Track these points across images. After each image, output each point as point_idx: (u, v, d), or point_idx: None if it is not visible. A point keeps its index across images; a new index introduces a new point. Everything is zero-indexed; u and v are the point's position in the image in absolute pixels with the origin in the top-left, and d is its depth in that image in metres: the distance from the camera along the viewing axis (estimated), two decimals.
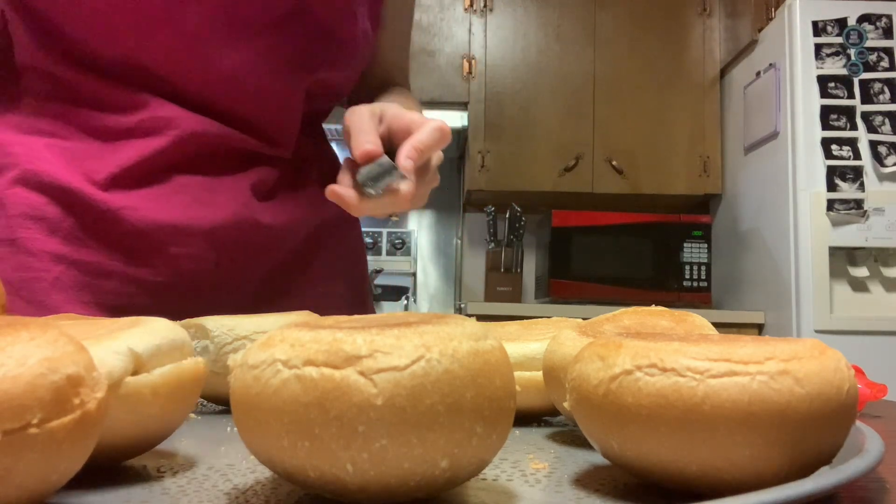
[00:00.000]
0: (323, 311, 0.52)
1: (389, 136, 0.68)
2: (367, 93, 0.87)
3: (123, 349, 0.35)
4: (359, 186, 0.65)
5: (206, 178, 0.72)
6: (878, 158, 2.33)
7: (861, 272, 2.35)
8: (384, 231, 3.31)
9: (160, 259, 0.70)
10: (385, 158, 0.65)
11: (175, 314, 0.59)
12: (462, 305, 3.05)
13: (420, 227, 3.39)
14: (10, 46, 0.74)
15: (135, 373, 0.35)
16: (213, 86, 0.71)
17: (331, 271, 0.83)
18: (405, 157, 0.64)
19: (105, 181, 0.68)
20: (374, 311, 0.93)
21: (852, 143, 2.35)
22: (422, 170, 0.66)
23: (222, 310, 0.63)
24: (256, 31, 0.72)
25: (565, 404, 0.36)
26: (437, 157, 0.69)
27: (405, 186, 0.64)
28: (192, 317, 0.59)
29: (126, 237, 0.69)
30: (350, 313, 0.42)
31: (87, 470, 0.36)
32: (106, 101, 0.70)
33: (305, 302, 0.74)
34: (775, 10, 2.58)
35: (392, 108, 0.70)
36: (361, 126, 0.67)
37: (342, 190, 0.65)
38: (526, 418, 0.53)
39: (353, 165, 0.67)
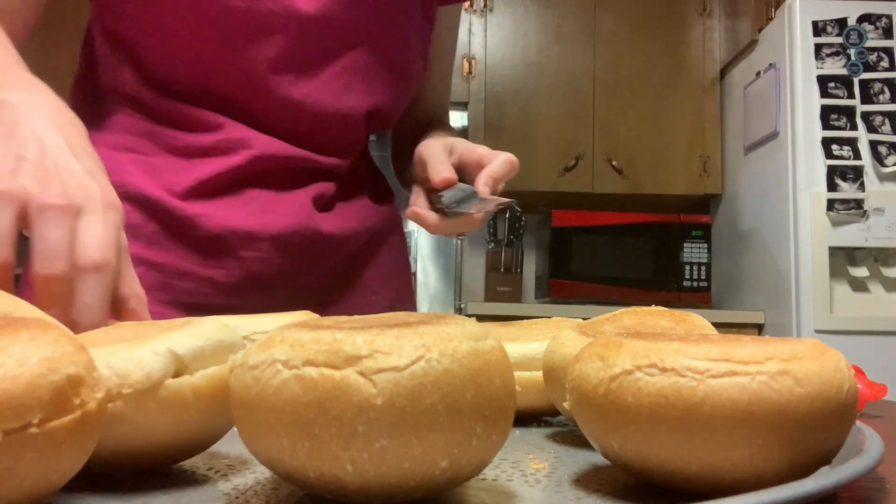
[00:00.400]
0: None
1: (459, 168, 0.77)
2: (414, 127, 0.93)
3: (163, 350, 0.34)
4: (435, 208, 0.75)
5: (274, 191, 0.79)
6: (879, 158, 2.33)
7: (861, 272, 2.35)
8: None
9: (231, 261, 0.76)
10: (465, 185, 0.73)
11: (243, 313, 0.69)
12: (462, 305, 3.05)
13: (420, 228, 3.39)
14: (95, 68, 0.81)
15: (177, 375, 0.35)
16: (284, 111, 0.78)
17: (380, 280, 0.90)
18: (483, 184, 0.72)
19: (183, 192, 0.75)
20: None
21: (852, 143, 2.34)
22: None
23: (286, 309, 0.70)
24: (327, 62, 0.79)
25: (565, 404, 0.36)
26: (500, 185, 0.76)
27: (481, 211, 0.72)
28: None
29: (201, 241, 0.75)
30: None
31: (126, 473, 0.36)
32: (185, 123, 0.77)
33: (358, 305, 0.84)
34: (775, 10, 2.58)
35: (461, 143, 0.79)
36: (436, 157, 0.76)
37: (423, 211, 0.75)
38: (526, 418, 0.53)
39: (428, 191, 0.77)
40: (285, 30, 0.75)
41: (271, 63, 0.76)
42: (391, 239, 0.93)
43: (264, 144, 0.77)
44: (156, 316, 0.69)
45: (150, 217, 0.75)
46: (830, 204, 2.32)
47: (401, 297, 0.94)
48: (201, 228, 0.75)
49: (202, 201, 0.75)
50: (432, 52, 0.94)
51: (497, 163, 0.74)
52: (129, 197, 0.73)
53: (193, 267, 0.76)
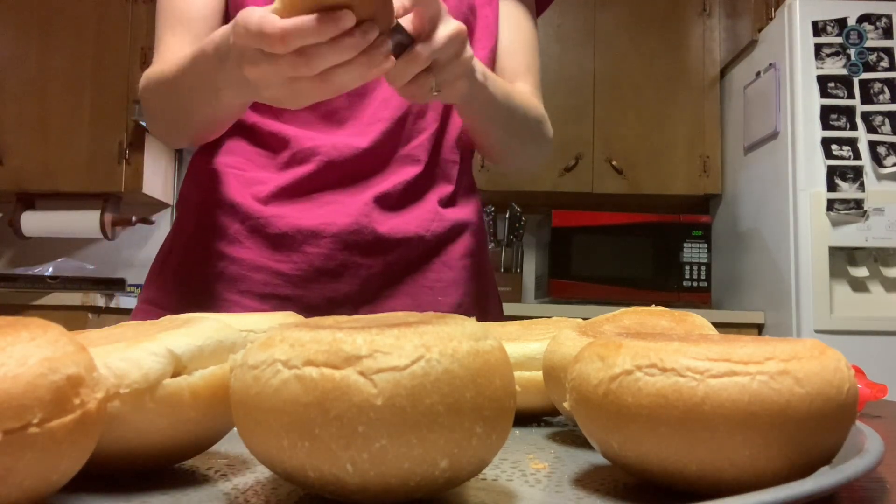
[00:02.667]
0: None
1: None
2: None
3: (161, 350, 0.34)
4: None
5: (342, 193, 0.87)
6: (878, 159, 2.33)
7: (861, 272, 2.34)
8: None
9: (298, 256, 0.86)
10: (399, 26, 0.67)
11: (309, 302, 0.85)
12: None
13: None
14: None
15: (175, 375, 0.34)
16: (357, 101, 0.88)
17: (447, 283, 0.92)
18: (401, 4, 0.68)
19: (266, 197, 0.87)
20: None
21: (852, 143, 2.34)
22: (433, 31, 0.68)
23: (348, 301, 0.86)
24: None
25: (565, 404, 0.36)
26: (454, 25, 0.69)
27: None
28: (323, 306, 0.84)
29: (273, 239, 0.86)
30: None
31: (126, 473, 0.36)
32: (271, 143, 0.89)
33: (421, 304, 0.89)
34: (775, 10, 2.58)
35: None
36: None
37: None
38: (526, 418, 0.53)
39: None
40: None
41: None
42: (465, 244, 0.94)
43: (332, 149, 0.86)
44: (233, 304, 0.85)
45: (235, 219, 0.87)
46: (830, 204, 2.32)
47: (474, 302, 0.95)
48: (273, 227, 0.85)
49: (280, 204, 0.86)
50: (509, 43, 0.98)
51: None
52: (221, 203, 0.88)
53: (266, 261, 0.86)
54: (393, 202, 0.89)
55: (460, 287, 0.93)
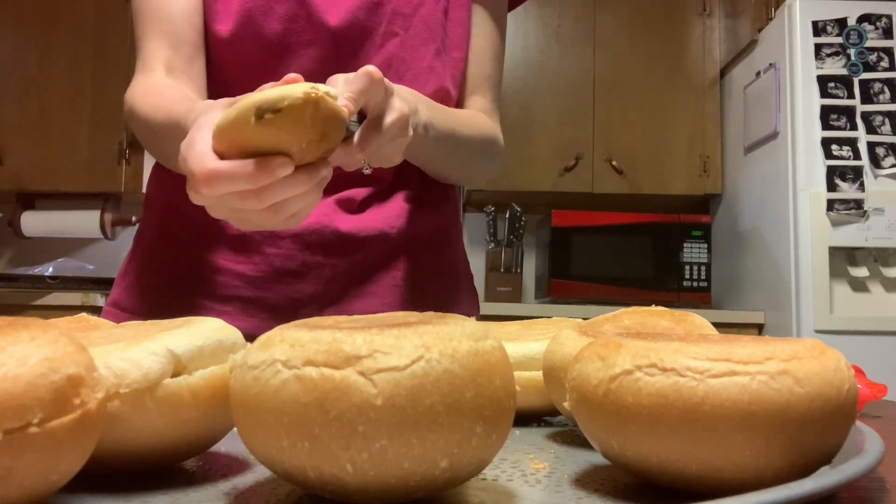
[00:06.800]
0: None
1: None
2: None
3: (162, 350, 0.34)
4: None
5: None
6: (876, 161, 2.33)
7: (861, 272, 2.34)
8: None
9: (258, 257, 0.85)
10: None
11: (272, 303, 0.84)
12: None
13: None
14: None
15: (176, 375, 0.34)
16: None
17: (417, 281, 0.91)
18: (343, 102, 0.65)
19: None
20: None
21: (852, 143, 2.34)
22: (375, 121, 0.66)
23: (312, 301, 0.85)
24: (359, 64, 0.84)
25: (565, 404, 0.36)
26: (397, 112, 0.68)
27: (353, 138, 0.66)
28: (287, 307, 0.84)
29: (232, 240, 0.86)
30: None
31: (126, 473, 0.36)
32: None
33: (389, 304, 0.88)
34: (775, 10, 2.58)
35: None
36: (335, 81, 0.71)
37: None
38: (526, 418, 0.53)
39: None
40: (317, 42, 0.85)
41: (307, 72, 0.83)
42: (435, 240, 0.94)
43: (301, 160, 0.82)
44: (196, 305, 0.85)
45: (196, 221, 0.84)
46: (830, 204, 2.32)
47: (445, 301, 0.93)
48: (233, 228, 0.84)
49: None
50: (475, 53, 0.96)
51: (354, 79, 0.65)
52: (183, 205, 0.83)
53: (226, 263, 0.86)
54: (355, 207, 0.88)
55: (435, 288, 0.92)
